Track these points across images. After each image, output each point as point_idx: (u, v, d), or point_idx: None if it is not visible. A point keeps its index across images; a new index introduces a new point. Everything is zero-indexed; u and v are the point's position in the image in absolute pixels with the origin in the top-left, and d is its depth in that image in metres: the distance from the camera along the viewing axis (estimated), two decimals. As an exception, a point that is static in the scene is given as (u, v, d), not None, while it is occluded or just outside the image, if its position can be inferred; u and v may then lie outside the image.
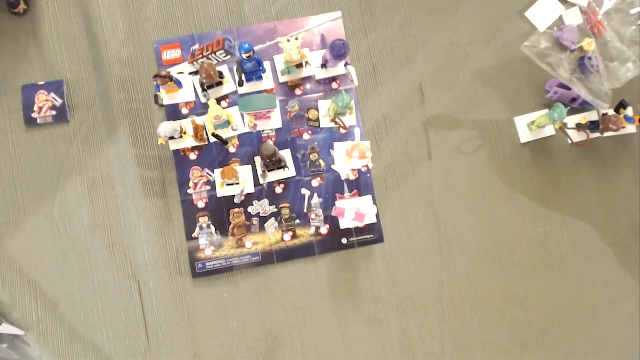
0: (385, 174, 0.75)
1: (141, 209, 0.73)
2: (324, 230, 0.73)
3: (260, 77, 0.73)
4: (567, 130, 0.71)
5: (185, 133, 0.71)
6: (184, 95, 0.73)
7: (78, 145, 0.73)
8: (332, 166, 0.72)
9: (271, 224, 0.73)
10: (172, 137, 0.71)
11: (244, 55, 0.67)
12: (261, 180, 0.72)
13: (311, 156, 0.73)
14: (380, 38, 0.77)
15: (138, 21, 0.75)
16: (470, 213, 0.75)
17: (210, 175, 0.73)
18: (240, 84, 0.70)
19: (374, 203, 0.72)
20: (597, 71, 0.75)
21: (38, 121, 0.73)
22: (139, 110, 0.74)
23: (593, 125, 0.74)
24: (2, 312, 0.70)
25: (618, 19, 0.77)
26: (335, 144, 0.73)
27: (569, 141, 0.74)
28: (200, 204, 0.72)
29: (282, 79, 0.74)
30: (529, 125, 0.76)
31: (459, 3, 0.78)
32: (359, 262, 0.73)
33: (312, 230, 0.73)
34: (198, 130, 0.71)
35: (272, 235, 0.72)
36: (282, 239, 0.72)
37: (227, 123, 0.71)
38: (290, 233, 0.72)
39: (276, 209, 0.73)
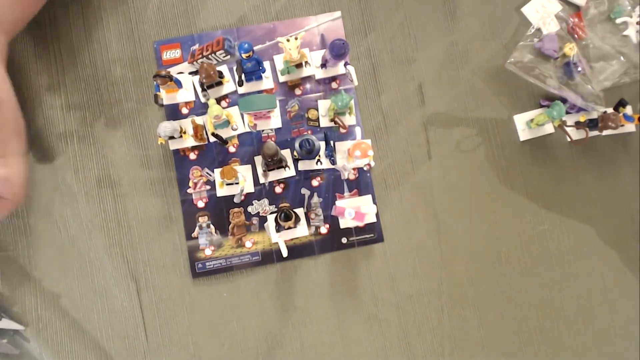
0: (385, 174, 0.75)
1: (140, 209, 0.72)
2: (323, 230, 0.73)
3: (260, 77, 0.73)
4: (567, 128, 0.72)
5: (185, 133, 0.71)
6: (184, 95, 0.73)
7: (75, 145, 0.73)
8: (334, 166, 0.72)
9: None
10: (172, 137, 0.71)
11: (244, 55, 0.67)
12: (262, 180, 0.72)
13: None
14: (380, 38, 0.77)
15: (138, 21, 0.75)
16: (470, 212, 0.75)
17: (210, 175, 0.73)
18: (240, 84, 0.70)
19: (374, 203, 0.72)
20: (584, 74, 0.75)
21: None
22: (138, 110, 0.74)
23: (592, 124, 0.74)
24: (2, 307, 0.70)
25: (596, 19, 0.76)
26: (337, 144, 0.73)
27: (568, 139, 0.74)
28: (200, 204, 0.72)
29: (282, 79, 0.74)
30: (528, 124, 0.76)
31: (459, 2, 0.78)
32: (359, 262, 0.73)
33: (312, 230, 0.73)
34: (198, 130, 0.71)
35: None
36: (282, 239, 0.72)
37: (227, 123, 0.71)
38: (290, 233, 0.72)
39: (276, 209, 0.73)
